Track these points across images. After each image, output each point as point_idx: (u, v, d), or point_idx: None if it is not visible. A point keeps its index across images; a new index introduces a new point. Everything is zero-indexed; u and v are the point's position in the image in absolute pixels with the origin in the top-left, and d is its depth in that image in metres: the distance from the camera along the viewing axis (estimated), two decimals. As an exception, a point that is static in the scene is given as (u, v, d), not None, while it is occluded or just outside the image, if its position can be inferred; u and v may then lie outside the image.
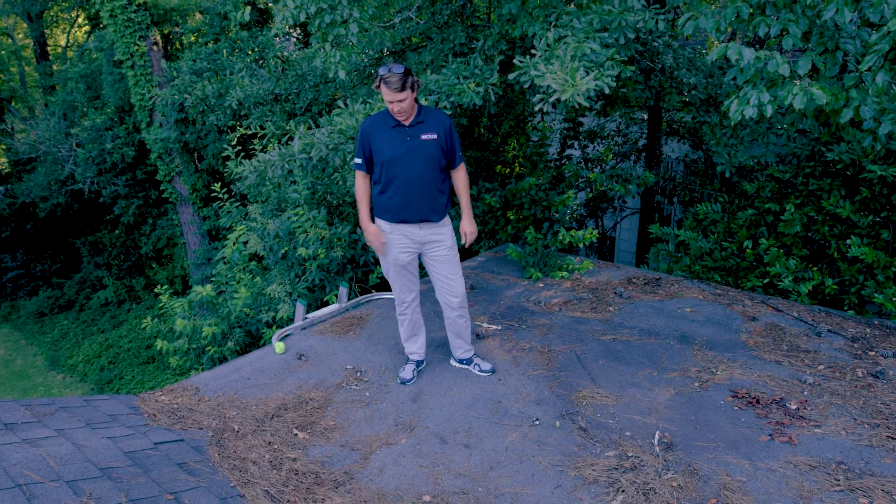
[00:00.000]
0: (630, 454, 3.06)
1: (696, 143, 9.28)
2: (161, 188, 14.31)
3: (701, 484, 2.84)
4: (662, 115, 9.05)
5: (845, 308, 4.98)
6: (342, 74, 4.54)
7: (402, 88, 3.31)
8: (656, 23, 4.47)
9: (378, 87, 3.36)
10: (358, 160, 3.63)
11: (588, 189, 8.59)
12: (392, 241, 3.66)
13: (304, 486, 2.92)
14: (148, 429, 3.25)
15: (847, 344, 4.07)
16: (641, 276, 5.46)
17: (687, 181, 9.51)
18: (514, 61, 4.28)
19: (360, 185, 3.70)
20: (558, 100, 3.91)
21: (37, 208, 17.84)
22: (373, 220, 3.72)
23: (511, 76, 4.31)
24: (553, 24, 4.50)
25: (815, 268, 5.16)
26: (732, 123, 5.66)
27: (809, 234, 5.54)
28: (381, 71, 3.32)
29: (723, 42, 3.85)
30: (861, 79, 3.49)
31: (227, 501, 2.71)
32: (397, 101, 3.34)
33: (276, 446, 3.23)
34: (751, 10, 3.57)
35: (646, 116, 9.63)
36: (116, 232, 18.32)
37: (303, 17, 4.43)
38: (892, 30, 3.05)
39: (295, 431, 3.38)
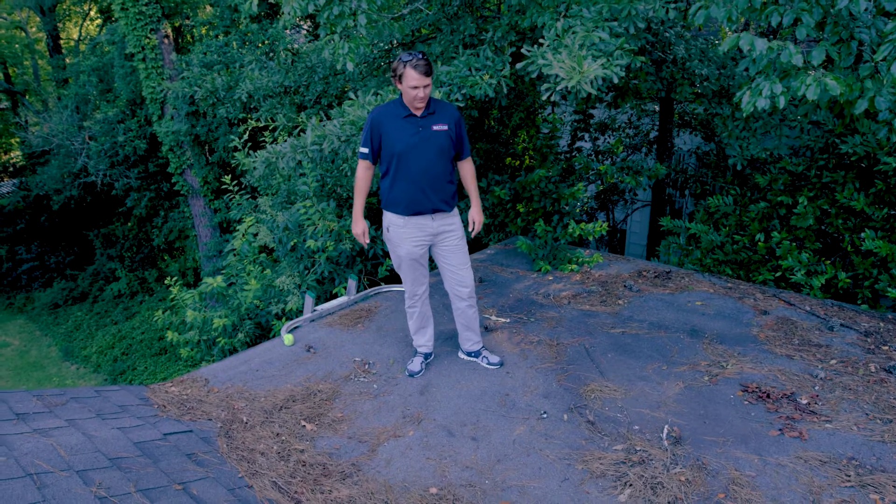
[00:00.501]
0: (638, 448, 3.05)
1: (707, 135, 9.19)
2: (172, 181, 14.41)
3: (709, 478, 2.82)
4: (674, 106, 8.97)
5: (858, 302, 4.92)
6: (350, 66, 4.52)
7: (430, 72, 3.33)
8: (667, 12, 4.42)
9: (401, 74, 3.33)
10: (364, 150, 3.59)
11: (598, 181, 8.53)
12: (405, 235, 3.63)
13: (311, 477, 2.93)
14: (157, 419, 3.27)
15: (860, 338, 4.02)
16: (652, 269, 5.42)
17: (698, 173, 9.43)
18: (523, 51, 4.25)
19: (362, 176, 3.67)
20: (567, 90, 3.87)
21: (50, 201, 18.04)
22: (366, 216, 3.71)
23: (519, 66, 4.28)
24: (563, 14, 4.46)
25: (828, 261, 5.10)
26: (745, 115, 5.58)
27: (822, 228, 5.48)
28: (405, 57, 3.31)
29: (735, 32, 3.80)
30: (876, 69, 3.43)
31: (234, 492, 2.72)
32: (423, 87, 3.34)
33: (284, 438, 3.24)
34: (763, -1, 3.51)
35: (657, 108, 9.55)
36: (129, 224, 18.49)
37: (311, 9, 4.41)
38: (909, 18, 2.99)
39: (303, 423, 3.39)
